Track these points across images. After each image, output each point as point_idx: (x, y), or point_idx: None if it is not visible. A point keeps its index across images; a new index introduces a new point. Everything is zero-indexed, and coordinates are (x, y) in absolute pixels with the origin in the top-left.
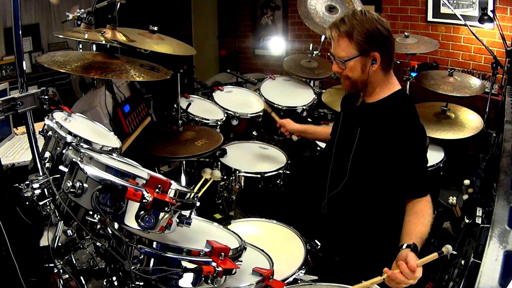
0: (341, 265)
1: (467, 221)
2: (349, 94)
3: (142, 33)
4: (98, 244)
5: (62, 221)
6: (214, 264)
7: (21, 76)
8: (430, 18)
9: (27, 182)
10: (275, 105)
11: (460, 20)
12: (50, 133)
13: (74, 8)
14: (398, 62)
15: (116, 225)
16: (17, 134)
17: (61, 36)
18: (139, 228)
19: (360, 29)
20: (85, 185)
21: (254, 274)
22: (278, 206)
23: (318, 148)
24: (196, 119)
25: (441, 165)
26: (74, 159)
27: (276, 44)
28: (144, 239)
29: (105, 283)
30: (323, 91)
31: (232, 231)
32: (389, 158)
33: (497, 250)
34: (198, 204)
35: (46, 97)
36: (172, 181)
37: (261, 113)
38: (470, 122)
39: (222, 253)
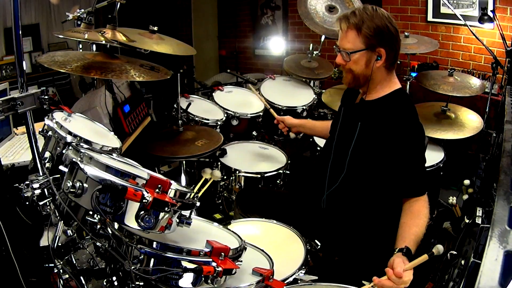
0: (341, 265)
1: (467, 221)
2: (349, 91)
3: (142, 33)
4: (98, 244)
5: (62, 221)
6: (214, 264)
7: (21, 76)
8: (430, 18)
9: (27, 182)
10: (275, 105)
11: (460, 20)
12: (50, 133)
13: (74, 8)
14: (398, 62)
15: (116, 225)
16: (17, 134)
17: (61, 36)
18: (139, 228)
19: (370, 23)
20: (85, 185)
21: (254, 274)
22: (278, 206)
23: (318, 148)
24: (196, 119)
25: (441, 165)
26: (74, 159)
27: (276, 44)
28: (144, 239)
29: (105, 283)
30: (323, 91)
31: (232, 231)
32: (387, 156)
33: (497, 250)
34: (198, 204)
35: (46, 97)
36: (172, 181)
37: (261, 113)
38: (470, 122)
39: (222, 253)
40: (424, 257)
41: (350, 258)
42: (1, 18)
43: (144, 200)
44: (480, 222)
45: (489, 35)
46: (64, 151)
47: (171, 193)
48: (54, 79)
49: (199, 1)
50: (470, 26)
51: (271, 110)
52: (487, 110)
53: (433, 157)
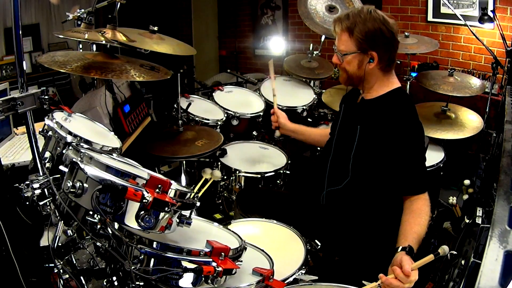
0: (341, 265)
1: (467, 221)
2: (350, 92)
3: (142, 33)
4: (98, 244)
5: (62, 221)
6: (214, 264)
7: (21, 76)
8: (430, 18)
9: (27, 182)
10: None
11: (460, 20)
12: (50, 133)
13: (74, 8)
14: (398, 62)
15: (116, 225)
16: (17, 134)
17: (61, 36)
18: (139, 228)
19: (362, 27)
20: (85, 185)
21: (254, 274)
22: (278, 206)
23: (318, 148)
24: (196, 119)
25: (441, 165)
26: (74, 159)
27: (276, 44)
28: (144, 239)
29: (105, 283)
30: (323, 91)
31: (232, 231)
32: (388, 155)
33: (497, 250)
34: (198, 204)
35: (46, 97)
36: (172, 181)
37: (261, 113)
38: (470, 122)
39: (222, 253)
40: (430, 257)
41: (350, 258)
42: (1, 18)
43: (144, 200)
44: (480, 222)
45: (489, 35)
46: (64, 151)
47: (171, 193)
48: (54, 79)
49: (199, 1)
50: (470, 26)
51: (275, 98)
52: (487, 110)
53: (433, 157)
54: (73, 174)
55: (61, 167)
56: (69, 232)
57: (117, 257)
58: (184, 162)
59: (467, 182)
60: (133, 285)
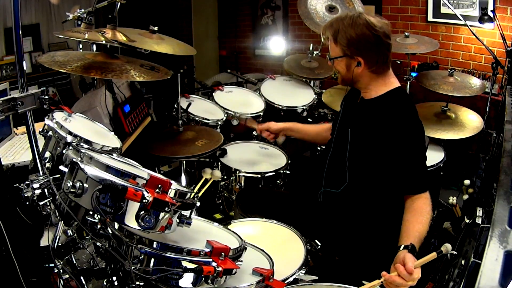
0: (341, 265)
1: (467, 221)
2: (350, 92)
3: (142, 33)
4: (98, 244)
5: (62, 221)
6: (214, 264)
7: (21, 76)
8: (430, 18)
9: (27, 182)
10: (275, 105)
11: (460, 20)
12: (50, 133)
13: (74, 8)
14: (398, 62)
15: (116, 225)
16: (17, 134)
17: (61, 36)
18: (139, 228)
19: (344, 34)
20: (85, 185)
21: (254, 274)
22: (278, 206)
23: (318, 148)
24: (197, 119)
25: (441, 165)
26: (74, 159)
27: (276, 44)
28: (144, 239)
29: (105, 283)
30: (323, 91)
31: (232, 231)
32: (387, 155)
33: (497, 250)
34: (198, 204)
35: (46, 97)
36: (172, 181)
37: (261, 113)
38: (470, 122)
39: (222, 253)
40: (433, 255)
41: (350, 258)
42: (1, 18)
43: (144, 200)
44: (480, 222)
45: (489, 35)
46: (64, 151)
47: (171, 193)
48: (54, 79)
49: (199, 1)
50: (470, 26)
51: (248, 122)
52: (487, 110)
53: (433, 157)
54: (73, 174)
55: (61, 167)
56: (69, 232)
57: (117, 257)
58: (184, 162)
59: (467, 182)
60: (133, 285)
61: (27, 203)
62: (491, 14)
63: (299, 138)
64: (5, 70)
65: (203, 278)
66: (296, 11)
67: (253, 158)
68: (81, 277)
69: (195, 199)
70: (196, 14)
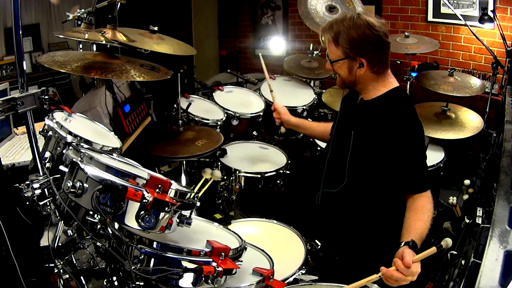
0: (341, 265)
1: (467, 221)
2: (349, 93)
3: (142, 33)
4: (98, 244)
5: (62, 221)
6: (214, 264)
7: (21, 76)
8: (430, 18)
9: (27, 182)
10: None
11: (461, 20)
12: (50, 133)
13: (74, 8)
14: (398, 62)
15: (116, 225)
16: (17, 134)
17: (61, 36)
18: (140, 228)
19: (346, 36)
20: (85, 185)
21: (254, 274)
22: (278, 206)
23: (318, 148)
24: (196, 119)
25: (441, 165)
26: (74, 159)
27: (277, 44)
28: (144, 239)
29: (105, 283)
30: (323, 91)
31: (232, 231)
32: (388, 155)
33: (497, 250)
34: (198, 204)
35: (47, 97)
36: (172, 181)
37: (261, 113)
38: (470, 122)
39: (223, 253)
40: (433, 249)
41: (350, 258)
42: (1, 18)
43: (144, 200)
44: (480, 222)
45: (489, 35)
46: (64, 151)
47: (171, 193)
48: (54, 79)
49: (199, 1)
50: (470, 26)
51: (273, 94)
52: (487, 110)
53: (434, 157)
54: (73, 174)
55: (61, 167)
56: (69, 232)
57: (117, 257)
58: (184, 162)
59: (467, 182)
60: (133, 285)
61: (27, 203)
62: (491, 14)
63: (306, 134)
64: (5, 70)
65: (203, 278)
66: (296, 11)
67: (253, 158)
68: (81, 277)
69: (195, 199)
70: (196, 14)
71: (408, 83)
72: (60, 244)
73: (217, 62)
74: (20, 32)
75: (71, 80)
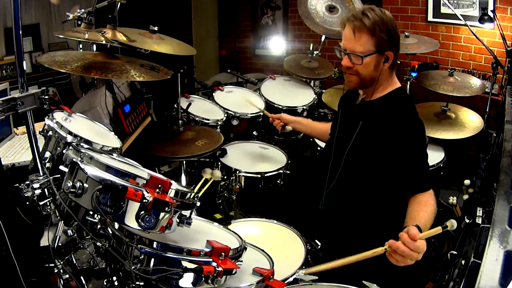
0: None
1: (467, 221)
2: (347, 94)
3: (142, 33)
4: (98, 244)
5: (62, 221)
6: (214, 264)
7: (21, 76)
8: (430, 18)
9: (27, 182)
10: (275, 105)
11: (461, 20)
12: (50, 133)
13: (75, 8)
14: (398, 62)
15: (116, 225)
16: (17, 134)
17: (61, 36)
18: (140, 228)
19: (383, 26)
20: (85, 185)
21: (255, 274)
22: (278, 206)
23: (318, 148)
24: (197, 119)
25: (442, 165)
26: (74, 159)
27: (277, 44)
28: (144, 239)
29: (105, 283)
30: (323, 91)
31: (233, 231)
32: (389, 154)
33: (497, 250)
34: (198, 204)
35: (47, 97)
36: (172, 181)
37: (261, 113)
38: (471, 122)
39: (223, 253)
40: (438, 229)
41: None
42: (1, 18)
43: (144, 200)
44: (480, 222)
45: (489, 35)
46: (64, 151)
47: (171, 193)
48: (54, 79)
49: (199, 1)
50: (471, 26)
51: (266, 112)
52: (487, 110)
53: (434, 157)
54: (73, 174)
55: (61, 167)
56: (69, 232)
57: (117, 257)
58: (184, 162)
59: (467, 182)
60: (133, 285)
61: (27, 203)
62: (491, 14)
63: (306, 133)
64: (5, 70)
65: (203, 278)
66: (296, 11)
67: (253, 158)
68: (81, 277)
69: (195, 199)
70: (196, 14)
71: (408, 83)
72: (60, 244)
73: (217, 62)
74: (20, 32)
75: (71, 80)
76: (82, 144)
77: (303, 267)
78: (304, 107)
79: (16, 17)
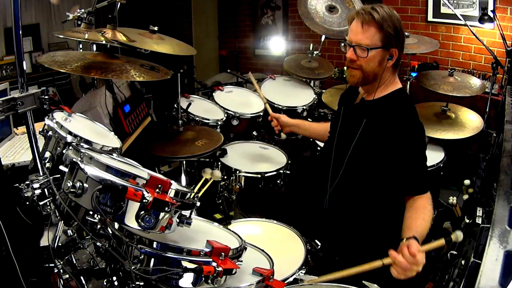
0: (341, 265)
1: (467, 221)
2: (347, 92)
3: (142, 33)
4: (98, 244)
5: (62, 221)
6: (214, 264)
7: (21, 76)
8: (430, 18)
9: (27, 182)
10: (275, 105)
11: (460, 20)
12: (50, 133)
13: (74, 8)
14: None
15: (116, 225)
16: (17, 134)
17: (61, 36)
18: (140, 228)
19: (391, 22)
20: (85, 185)
21: (254, 274)
22: (278, 206)
23: (318, 148)
24: (197, 119)
25: (441, 165)
26: (74, 159)
27: (276, 44)
28: (144, 239)
29: (105, 283)
30: (323, 91)
31: (232, 231)
32: (389, 155)
33: (497, 250)
34: (198, 204)
35: (46, 97)
36: (172, 181)
37: (261, 113)
38: (470, 122)
39: (223, 253)
40: (441, 242)
41: (350, 258)
42: (1, 18)
43: (144, 200)
44: (480, 222)
45: (489, 35)
46: (64, 151)
47: (171, 193)
48: (54, 79)
49: (199, 1)
50: (470, 26)
51: (267, 105)
52: (487, 110)
53: (433, 157)
54: (73, 174)
55: (61, 167)
56: (69, 232)
57: (117, 257)
58: (184, 162)
59: (467, 182)
60: (133, 285)
61: (27, 203)
62: (491, 14)
63: (304, 135)
64: (5, 70)
65: (203, 278)
66: (296, 11)
67: (253, 158)
68: (81, 277)
69: (195, 199)
70: (196, 14)
71: (408, 83)
72: (60, 244)
73: (217, 62)
74: (20, 32)
75: (71, 80)
76: (82, 144)
77: (303, 267)
78: (304, 107)
79: (16, 17)
